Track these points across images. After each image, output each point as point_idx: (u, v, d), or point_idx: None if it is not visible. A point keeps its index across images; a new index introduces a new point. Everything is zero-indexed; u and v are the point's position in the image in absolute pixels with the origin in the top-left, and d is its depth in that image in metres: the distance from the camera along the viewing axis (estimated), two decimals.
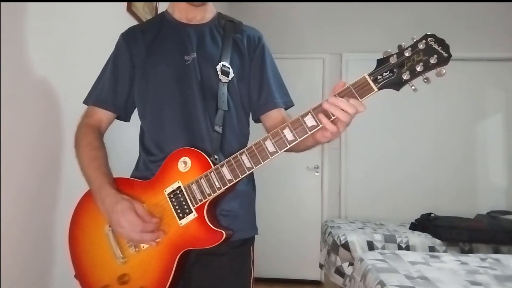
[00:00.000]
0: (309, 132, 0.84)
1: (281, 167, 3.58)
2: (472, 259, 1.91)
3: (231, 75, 1.03)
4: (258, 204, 1.11)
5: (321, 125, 0.83)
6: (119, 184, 0.98)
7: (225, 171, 0.89)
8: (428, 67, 0.78)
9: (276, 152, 0.86)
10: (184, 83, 1.01)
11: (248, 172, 0.88)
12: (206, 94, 1.01)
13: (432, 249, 2.53)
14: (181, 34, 1.06)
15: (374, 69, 0.81)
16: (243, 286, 1.04)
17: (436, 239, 2.59)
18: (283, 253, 3.58)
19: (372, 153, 3.62)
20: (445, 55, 0.77)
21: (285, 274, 3.58)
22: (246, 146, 0.90)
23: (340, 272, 2.52)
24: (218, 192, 0.90)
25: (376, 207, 3.54)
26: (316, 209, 3.65)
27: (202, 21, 1.09)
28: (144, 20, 1.70)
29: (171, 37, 1.06)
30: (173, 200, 0.94)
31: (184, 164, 0.94)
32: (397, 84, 0.80)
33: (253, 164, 0.87)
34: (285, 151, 0.86)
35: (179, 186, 0.93)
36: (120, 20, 1.72)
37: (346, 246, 2.54)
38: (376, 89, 0.80)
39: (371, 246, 2.54)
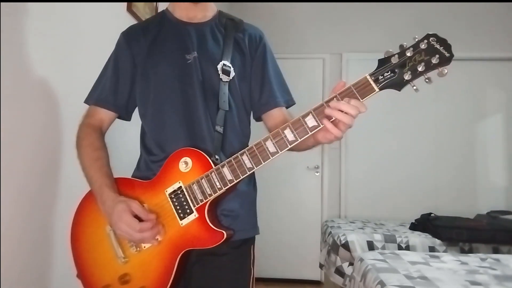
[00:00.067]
0: (310, 133, 0.84)
1: (281, 167, 3.58)
2: (472, 259, 1.91)
3: (232, 74, 1.02)
4: (258, 204, 1.10)
5: (321, 125, 0.82)
6: (120, 184, 0.98)
7: (226, 171, 0.89)
8: (430, 67, 0.77)
9: (277, 152, 0.86)
10: (185, 83, 1.01)
11: (249, 173, 0.88)
12: (207, 94, 1.00)
13: (432, 249, 2.53)
14: (182, 33, 1.05)
15: (376, 69, 0.80)
16: (243, 286, 1.04)
17: (436, 239, 2.58)
18: (283, 253, 3.58)
19: (372, 153, 3.62)
20: (447, 55, 0.76)
21: (285, 274, 3.58)
22: (248, 145, 0.90)
23: (340, 272, 2.52)
24: (219, 192, 0.90)
25: (376, 207, 3.54)
26: (316, 209, 3.65)
27: (202, 20, 1.08)
28: None
29: (171, 36, 1.05)
30: (174, 200, 0.93)
31: (185, 164, 0.94)
32: (398, 84, 0.79)
33: (254, 164, 0.87)
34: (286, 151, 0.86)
35: (180, 186, 0.93)
36: (120, 20, 1.72)
37: (346, 246, 2.53)
38: (377, 90, 0.80)
39: (371, 246, 2.54)
